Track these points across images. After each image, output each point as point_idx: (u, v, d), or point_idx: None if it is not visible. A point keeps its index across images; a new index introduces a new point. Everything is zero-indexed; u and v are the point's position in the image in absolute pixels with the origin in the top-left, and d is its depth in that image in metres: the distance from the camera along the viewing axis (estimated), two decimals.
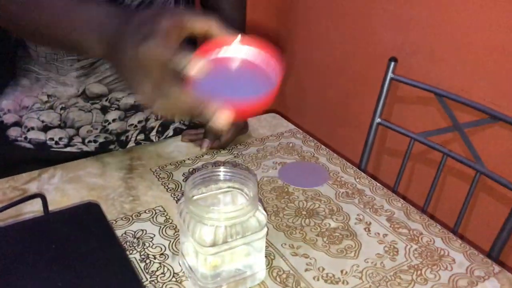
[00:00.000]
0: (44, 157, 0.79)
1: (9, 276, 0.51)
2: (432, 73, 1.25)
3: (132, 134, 0.85)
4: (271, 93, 0.51)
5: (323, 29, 1.63)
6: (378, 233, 0.66)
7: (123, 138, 0.84)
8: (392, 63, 1.09)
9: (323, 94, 1.71)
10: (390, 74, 1.10)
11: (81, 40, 0.54)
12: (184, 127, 0.92)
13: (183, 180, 0.76)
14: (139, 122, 0.84)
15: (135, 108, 0.83)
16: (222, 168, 0.56)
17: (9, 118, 0.79)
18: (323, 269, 0.59)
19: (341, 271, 0.59)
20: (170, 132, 0.90)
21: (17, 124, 0.79)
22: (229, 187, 0.58)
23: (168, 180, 0.75)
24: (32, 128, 0.79)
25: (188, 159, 0.82)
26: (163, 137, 0.89)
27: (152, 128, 0.87)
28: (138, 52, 0.48)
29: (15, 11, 0.58)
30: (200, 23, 0.49)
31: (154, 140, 0.88)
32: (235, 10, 0.92)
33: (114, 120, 0.81)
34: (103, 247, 0.54)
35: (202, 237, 0.51)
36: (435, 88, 1.04)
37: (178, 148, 0.85)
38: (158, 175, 0.76)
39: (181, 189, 0.73)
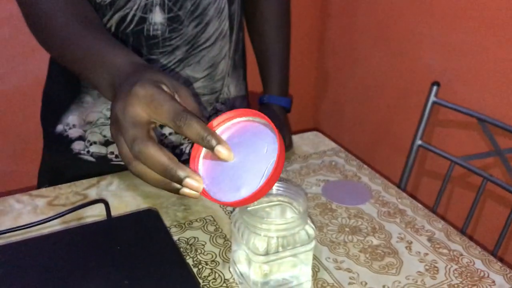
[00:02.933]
0: (104, 170, 0.84)
1: (79, 273, 0.55)
2: (473, 98, 1.26)
3: (186, 147, 0.90)
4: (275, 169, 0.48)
5: (366, 50, 1.66)
6: (419, 252, 0.68)
7: (177, 151, 0.89)
8: (435, 87, 1.12)
9: (363, 114, 1.73)
10: (432, 98, 1.12)
11: (97, 83, 0.59)
12: None
13: None
14: None
15: None
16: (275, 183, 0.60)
17: (73, 133, 0.84)
18: (366, 283, 0.62)
19: (383, 286, 0.61)
20: None
21: (81, 138, 0.84)
22: (279, 200, 0.62)
23: None
24: (95, 142, 0.84)
25: None
26: None
27: None
28: (117, 107, 0.49)
29: (59, 46, 0.64)
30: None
31: None
32: (280, 19, 0.99)
33: (170, 134, 0.86)
34: (163, 251, 0.59)
35: (255, 246, 0.55)
36: (477, 113, 1.05)
37: None
38: None
39: None
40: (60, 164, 0.88)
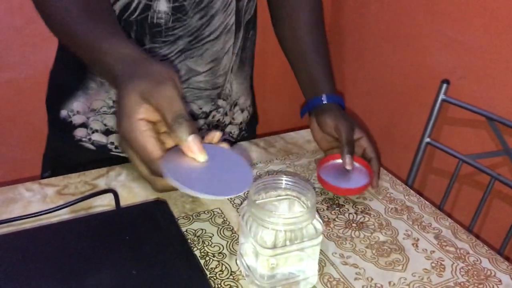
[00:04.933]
0: (103, 159, 0.85)
1: (88, 262, 0.56)
2: (483, 97, 1.25)
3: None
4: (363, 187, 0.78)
5: (375, 47, 1.65)
6: (426, 249, 0.68)
7: None
8: (445, 85, 1.11)
9: (371, 111, 1.73)
10: (441, 96, 1.12)
11: (101, 71, 0.63)
12: (232, 139, 0.97)
13: None
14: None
15: (192, 117, 0.87)
16: (284, 177, 0.60)
17: (77, 119, 0.85)
18: (372, 279, 0.62)
19: (389, 282, 0.61)
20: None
21: (84, 125, 0.85)
22: (287, 194, 0.62)
23: None
24: (96, 131, 0.85)
25: None
26: None
27: None
28: (123, 98, 0.55)
29: (61, 34, 0.67)
30: None
31: None
32: (315, 17, 0.94)
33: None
34: (171, 242, 0.59)
35: (263, 239, 0.55)
36: (487, 112, 1.05)
37: None
38: None
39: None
40: (62, 150, 0.88)
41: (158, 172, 0.54)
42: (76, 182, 0.78)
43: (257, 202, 0.60)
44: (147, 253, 0.57)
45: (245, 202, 0.60)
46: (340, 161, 0.82)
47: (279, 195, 0.62)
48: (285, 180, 0.60)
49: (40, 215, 0.67)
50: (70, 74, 0.83)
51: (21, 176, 1.45)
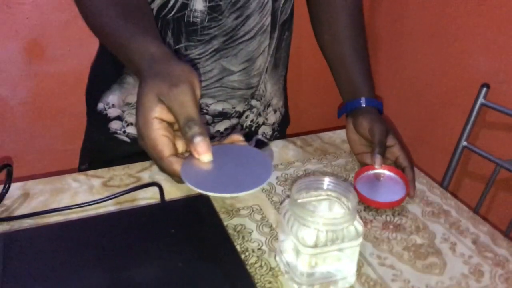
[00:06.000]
0: (138, 152, 0.87)
1: (135, 254, 0.58)
2: None
3: (218, 141, 0.91)
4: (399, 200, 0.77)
5: (414, 48, 1.64)
6: (463, 254, 0.68)
7: None
8: (484, 89, 1.10)
9: (407, 112, 1.72)
10: (481, 100, 1.11)
11: (130, 68, 0.65)
12: (266, 140, 0.98)
13: (276, 183, 0.82)
14: (226, 129, 0.90)
15: (223, 115, 0.89)
16: (326, 178, 0.61)
17: (112, 112, 0.87)
18: (409, 281, 0.63)
19: (426, 286, 0.62)
20: (252, 143, 0.96)
21: (119, 118, 0.87)
22: (328, 195, 0.63)
23: None
24: (131, 124, 0.87)
25: (281, 164, 0.88)
26: None
27: None
28: (142, 96, 0.57)
29: (96, 32, 0.70)
30: None
31: None
32: (356, 18, 0.94)
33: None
34: (215, 236, 0.61)
35: (304, 238, 0.56)
36: None
37: (271, 153, 0.91)
38: None
39: (275, 191, 0.79)
40: (99, 142, 0.91)
41: (167, 170, 0.58)
42: (121, 175, 0.81)
43: (298, 201, 0.61)
44: (192, 247, 0.59)
45: (286, 200, 0.61)
46: (375, 171, 0.82)
47: (320, 195, 0.63)
48: (328, 181, 0.61)
49: (88, 205, 0.70)
50: (108, 68, 0.86)
51: (62, 168, 1.50)
